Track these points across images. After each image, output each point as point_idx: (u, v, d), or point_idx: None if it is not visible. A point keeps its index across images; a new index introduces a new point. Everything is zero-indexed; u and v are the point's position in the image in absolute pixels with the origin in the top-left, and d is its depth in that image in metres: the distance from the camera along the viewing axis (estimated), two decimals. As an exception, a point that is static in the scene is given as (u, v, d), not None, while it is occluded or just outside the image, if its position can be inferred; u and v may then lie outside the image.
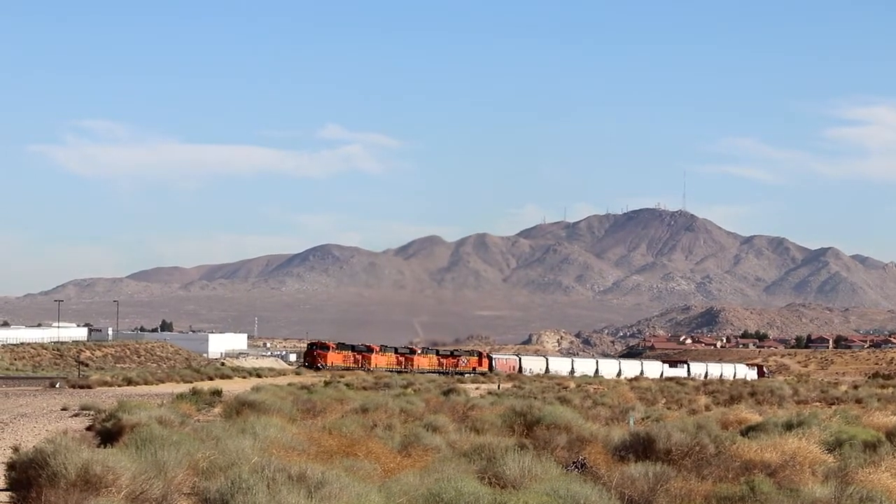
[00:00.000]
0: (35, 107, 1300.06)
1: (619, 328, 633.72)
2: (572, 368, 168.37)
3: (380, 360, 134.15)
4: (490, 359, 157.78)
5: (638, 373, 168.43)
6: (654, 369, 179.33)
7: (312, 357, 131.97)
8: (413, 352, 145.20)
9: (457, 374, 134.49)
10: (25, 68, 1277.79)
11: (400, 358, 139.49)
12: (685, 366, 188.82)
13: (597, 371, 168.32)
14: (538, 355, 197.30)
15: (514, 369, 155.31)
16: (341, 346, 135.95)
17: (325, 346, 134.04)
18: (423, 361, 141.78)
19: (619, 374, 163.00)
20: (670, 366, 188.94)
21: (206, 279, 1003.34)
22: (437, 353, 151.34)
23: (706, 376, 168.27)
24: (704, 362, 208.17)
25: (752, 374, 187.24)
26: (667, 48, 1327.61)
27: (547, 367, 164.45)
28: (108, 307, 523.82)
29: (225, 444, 23.39)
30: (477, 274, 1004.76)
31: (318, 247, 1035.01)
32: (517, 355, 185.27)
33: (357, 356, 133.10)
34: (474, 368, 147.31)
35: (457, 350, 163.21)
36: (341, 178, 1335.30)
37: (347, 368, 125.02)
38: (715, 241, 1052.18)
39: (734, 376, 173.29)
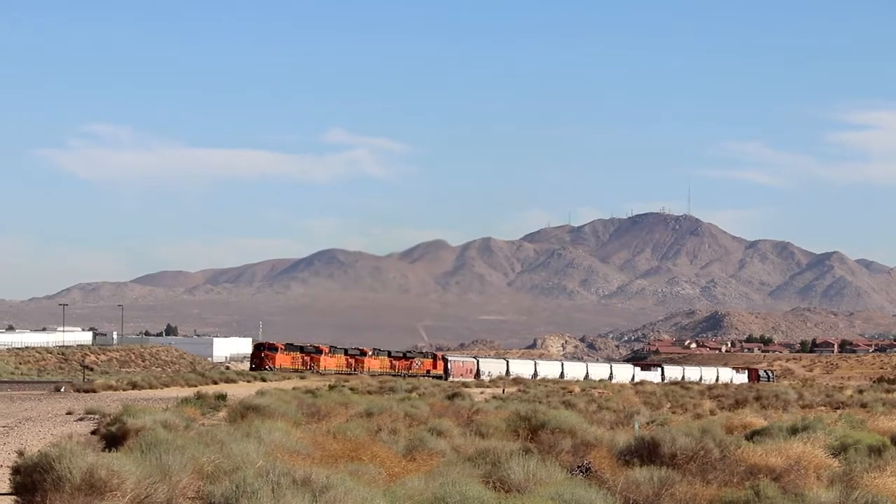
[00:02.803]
0: (40, 111, 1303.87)
1: (624, 332, 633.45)
2: (535, 371, 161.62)
3: (329, 362, 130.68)
4: (445, 361, 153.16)
5: (607, 376, 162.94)
6: (625, 373, 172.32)
7: (260, 359, 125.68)
8: (364, 353, 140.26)
9: (409, 376, 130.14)
10: (30, 73, 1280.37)
11: (350, 360, 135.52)
12: (658, 369, 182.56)
13: (562, 374, 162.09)
14: (499, 358, 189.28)
15: (470, 372, 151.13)
16: (290, 347, 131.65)
17: (273, 347, 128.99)
18: (373, 363, 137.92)
19: (585, 377, 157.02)
20: (642, 369, 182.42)
21: (211, 283, 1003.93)
22: (390, 354, 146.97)
23: (682, 379, 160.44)
24: (681, 365, 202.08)
25: (739, 378, 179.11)
26: (672, 52, 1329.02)
27: (507, 370, 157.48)
28: (112, 311, 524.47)
29: (230, 448, 23.39)
30: (481, 278, 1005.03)
31: (323, 251, 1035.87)
32: (475, 357, 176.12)
33: (305, 357, 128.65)
34: (428, 371, 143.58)
35: (410, 352, 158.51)
36: (346, 182, 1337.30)
37: (296, 370, 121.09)
38: (720, 245, 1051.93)
39: (716, 380, 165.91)
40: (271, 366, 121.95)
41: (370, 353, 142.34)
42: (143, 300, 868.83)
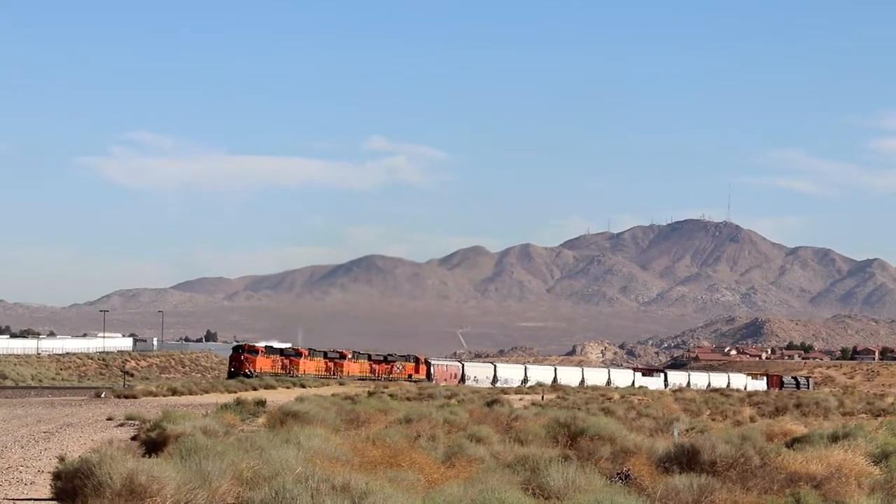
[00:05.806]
0: (82, 119, 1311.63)
1: (664, 339, 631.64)
2: (525, 377, 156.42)
3: (307, 366, 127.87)
4: (428, 365, 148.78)
5: (605, 382, 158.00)
6: (624, 378, 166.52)
7: (239, 362, 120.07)
8: (343, 356, 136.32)
9: (389, 380, 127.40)
10: (73, 81, 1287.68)
11: (329, 363, 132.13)
12: (662, 375, 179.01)
13: (555, 379, 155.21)
14: (484, 363, 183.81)
15: (455, 377, 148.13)
16: (270, 350, 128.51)
17: (253, 350, 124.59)
18: (353, 367, 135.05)
19: (581, 383, 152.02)
20: (643, 374, 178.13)
21: (251, 290, 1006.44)
22: (370, 357, 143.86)
23: (687, 386, 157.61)
24: (686, 371, 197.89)
25: (756, 385, 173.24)
26: (714, 59, 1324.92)
27: (495, 376, 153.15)
28: (153, 317, 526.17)
29: (269, 454, 23.42)
30: (521, 284, 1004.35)
31: (362, 258, 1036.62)
32: (460, 362, 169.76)
33: (285, 361, 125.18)
34: (410, 375, 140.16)
35: (391, 355, 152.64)
36: (385, 189, 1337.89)
37: (276, 374, 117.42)
38: (760, 252, 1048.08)
39: (727, 387, 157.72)
40: (251, 369, 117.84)
41: (350, 356, 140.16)
42: (182, 306, 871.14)
